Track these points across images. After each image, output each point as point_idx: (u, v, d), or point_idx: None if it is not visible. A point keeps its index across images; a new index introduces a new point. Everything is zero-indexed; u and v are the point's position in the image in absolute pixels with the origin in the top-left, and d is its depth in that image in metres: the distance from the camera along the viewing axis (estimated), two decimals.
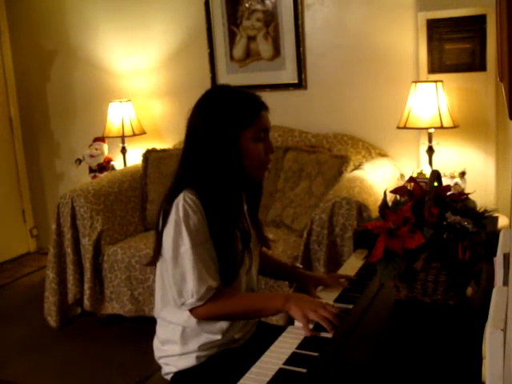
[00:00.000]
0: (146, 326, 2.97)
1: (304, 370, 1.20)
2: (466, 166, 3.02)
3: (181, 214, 1.46)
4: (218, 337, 1.56)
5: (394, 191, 1.48)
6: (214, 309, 1.48)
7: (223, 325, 1.56)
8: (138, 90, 4.11)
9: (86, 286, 3.16)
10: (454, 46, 3.10)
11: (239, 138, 1.52)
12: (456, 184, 2.88)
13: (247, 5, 3.66)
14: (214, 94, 1.59)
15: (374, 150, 3.41)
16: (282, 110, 3.62)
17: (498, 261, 1.03)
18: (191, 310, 1.49)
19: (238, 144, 1.52)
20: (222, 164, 1.52)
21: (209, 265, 1.47)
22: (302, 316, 1.40)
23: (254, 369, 1.24)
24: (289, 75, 3.64)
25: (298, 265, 2.00)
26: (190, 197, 1.48)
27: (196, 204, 1.48)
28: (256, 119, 1.53)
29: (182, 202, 1.47)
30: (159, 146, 3.84)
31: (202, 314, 1.49)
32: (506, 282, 0.98)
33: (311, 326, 1.39)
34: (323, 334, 1.35)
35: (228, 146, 1.51)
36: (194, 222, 1.46)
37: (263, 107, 1.57)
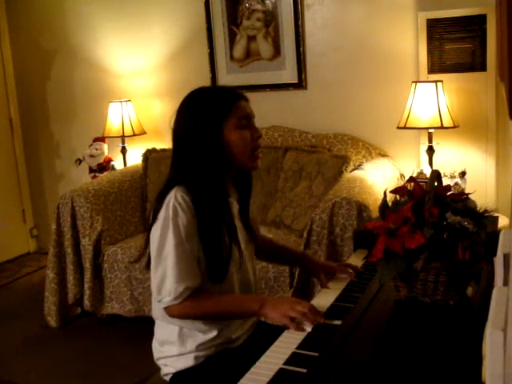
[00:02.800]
0: (146, 326, 2.95)
1: (304, 370, 1.19)
2: (466, 165, 3.02)
3: (170, 211, 1.47)
4: (214, 333, 1.56)
5: (394, 191, 1.48)
6: (188, 308, 1.49)
7: (218, 323, 1.56)
8: (138, 89, 4.11)
9: (86, 286, 3.16)
10: (454, 45, 3.10)
11: (221, 130, 1.54)
12: (456, 184, 2.88)
13: (247, 5, 3.66)
14: (191, 95, 1.62)
15: (374, 150, 3.41)
16: (282, 110, 3.63)
17: (498, 261, 1.03)
18: (165, 308, 1.50)
19: (221, 136, 1.54)
20: (208, 158, 1.53)
21: (191, 265, 1.48)
22: (282, 316, 1.41)
23: (253, 369, 1.24)
24: (289, 75, 3.64)
25: (308, 252, 2.02)
26: (181, 194, 1.49)
27: (186, 202, 1.49)
28: (233, 108, 1.55)
29: (173, 200, 1.48)
30: (159, 146, 3.84)
31: (176, 312, 1.50)
32: (506, 282, 0.98)
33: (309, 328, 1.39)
34: (306, 327, 1.37)
35: (211, 140, 1.53)
36: (182, 220, 1.47)
37: (239, 97, 1.59)
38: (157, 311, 1.61)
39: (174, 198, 1.48)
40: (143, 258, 1.61)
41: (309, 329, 1.37)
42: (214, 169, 1.54)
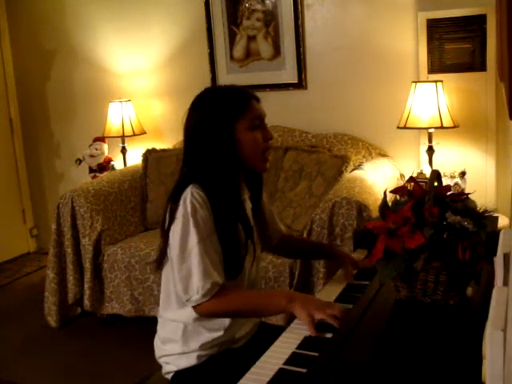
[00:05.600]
0: (146, 326, 2.97)
1: (304, 370, 1.19)
2: (466, 166, 3.02)
3: (189, 208, 1.47)
4: (220, 333, 1.56)
5: (394, 191, 1.48)
6: (217, 305, 1.48)
7: (225, 322, 1.56)
8: (138, 89, 4.11)
9: (86, 285, 3.16)
10: (454, 45, 3.10)
11: (234, 130, 1.54)
12: (456, 184, 2.88)
13: (247, 5, 3.66)
14: (204, 94, 1.63)
15: (374, 150, 3.41)
16: (282, 110, 3.62)
17: (498, 261, 1.03)
18: (195, 307, 1.49)
19: (234, 136, 1.54)
20: (220, 157, 1.54)
21: (214, 260, 1.48)
22: (308, 316, 1.38)
23: (254, 369, 1.24)
24: (289, 75, 3.64)
25: (336, 243, 2.01)
26: (197, 191, 1.49)
27: (203, 199, 1.49)
28: (246, 109, 1.56)
29: (190, 197, 1.48)
30: (159, 146, 3.84)
31: (206, 310, 1.49)
32: (506, 282, 0.98)
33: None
34: (325, 335, 1.35)
35: (224, 139, 1.53)
36: (201, 216, 1.47)
37: (252, 97, 1.60)
38: (163, 309, 1.61)
39: (191, 195, 1.48)
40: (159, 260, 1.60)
41: (329, 335, 1.34)
42: (226, 167, 1.54)
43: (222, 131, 1.53)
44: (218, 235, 1.50)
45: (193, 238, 1.46)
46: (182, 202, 1.49)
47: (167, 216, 1.53)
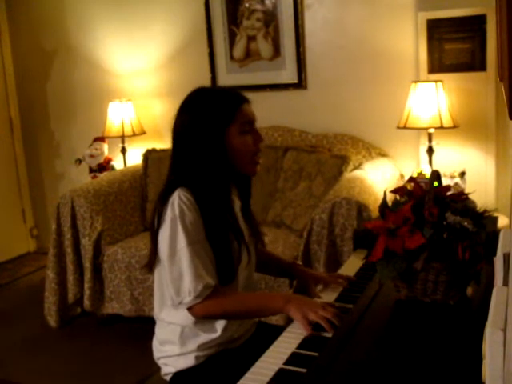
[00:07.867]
0: (146, 326, 2.95)
1: (304, 370, 1.20)
2: (466, 165, 3.02)
3: (176, 212, 1.46)
4: (217, 334, 1.56)
5: (394, 191, 1.48)
6: (212, 307, 1.48)
7: (222, 322, 1.56)
8: (138, 89, 4.11)
9: (86, 285, 3.16)
10: (453, 46, 3.10)
11: (224, 136, 1.53)
12: (456, 184, 2.88)
13: (247, 5, 3.66)
14: (193, 96, 1.60)
15: (373, 150, 3.41)
16: (282, 110, 3.62)
17: (498, 261, 1.03)
18: (189, 309, 1.49)
19: (224, 142, 1.53)
20: (211, 163, 1.53)
21: (206, 262, 1.47)
22: (302, 317, 1.39)
23: (253, 369, 1.24)
24: (289, 75, 3.64)
25: (298, 262, 1.99)
26: (185, 195, 1.49)
27: (191, 202, 1.48)
28: (237, 114, 1.54)
29: (178, 201, 1.47)
30: (159, 146, 3.84)
31: (200, 312, 1.49)
32: (506, 282, 0.98)
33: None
34: (323, 334, 1.35)
35: (214, 145, 1.53)
36: (189, 219, 1.47)
37: (243, 101, 1.58)
38: (159, 311, 1.61)
39: (179, 198, 1.48)
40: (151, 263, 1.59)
41: (329, 334, 1.34)
42: (216, 173, 1.53)
43: (211, 136, 1.52)
44: (209, 240, 1.50)
45: (181, 242, 1.45)
46: (169, 206, 1.48)
47: (155, 218, 1.52)
